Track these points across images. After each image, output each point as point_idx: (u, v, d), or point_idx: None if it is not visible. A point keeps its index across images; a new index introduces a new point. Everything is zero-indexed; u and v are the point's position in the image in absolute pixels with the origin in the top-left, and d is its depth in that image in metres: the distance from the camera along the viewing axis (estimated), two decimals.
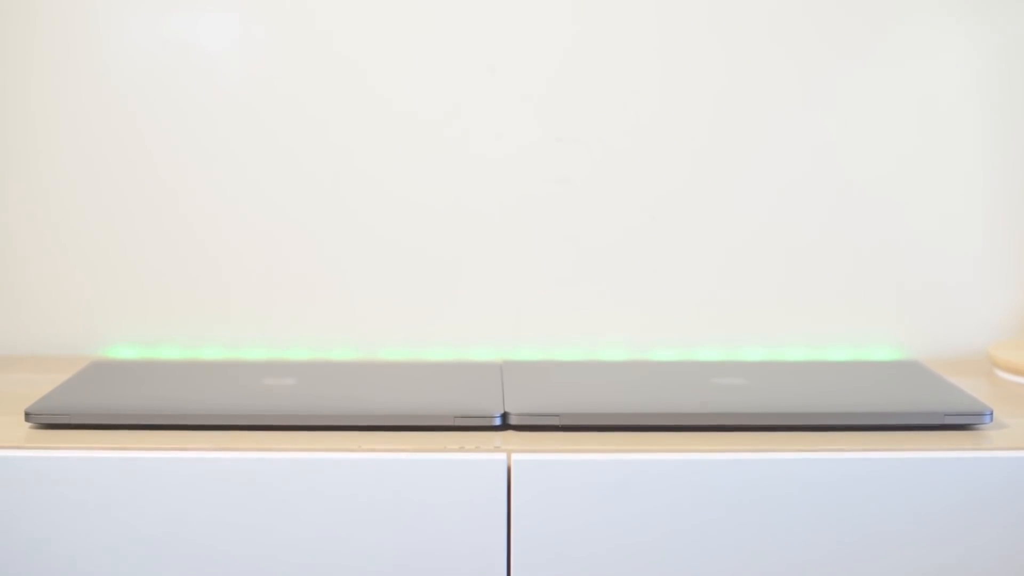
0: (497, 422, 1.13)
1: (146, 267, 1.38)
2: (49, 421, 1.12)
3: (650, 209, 1.37)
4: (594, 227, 1.38)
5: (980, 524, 1.08)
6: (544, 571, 1.07)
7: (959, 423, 1.13)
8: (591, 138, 1.36)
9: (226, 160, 1.36)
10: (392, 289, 1.38)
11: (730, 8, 1.35)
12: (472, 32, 1.35)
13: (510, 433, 1.12)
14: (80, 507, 1.06)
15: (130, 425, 1.12)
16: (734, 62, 1.36)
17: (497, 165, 1.37)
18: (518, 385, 1.21)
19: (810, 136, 1.37)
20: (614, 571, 1.07)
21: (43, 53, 1.34)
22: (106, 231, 1.37)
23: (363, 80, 1.36)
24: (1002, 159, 1.37)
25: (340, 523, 1.06)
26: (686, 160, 1.37)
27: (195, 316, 1.38)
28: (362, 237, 1.38)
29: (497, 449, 1.07)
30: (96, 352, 1.37)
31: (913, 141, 1.37)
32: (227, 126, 1.36)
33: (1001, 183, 1.38)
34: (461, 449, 1.07)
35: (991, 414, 1.13)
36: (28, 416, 1.12)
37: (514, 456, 1.06)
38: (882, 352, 1.38)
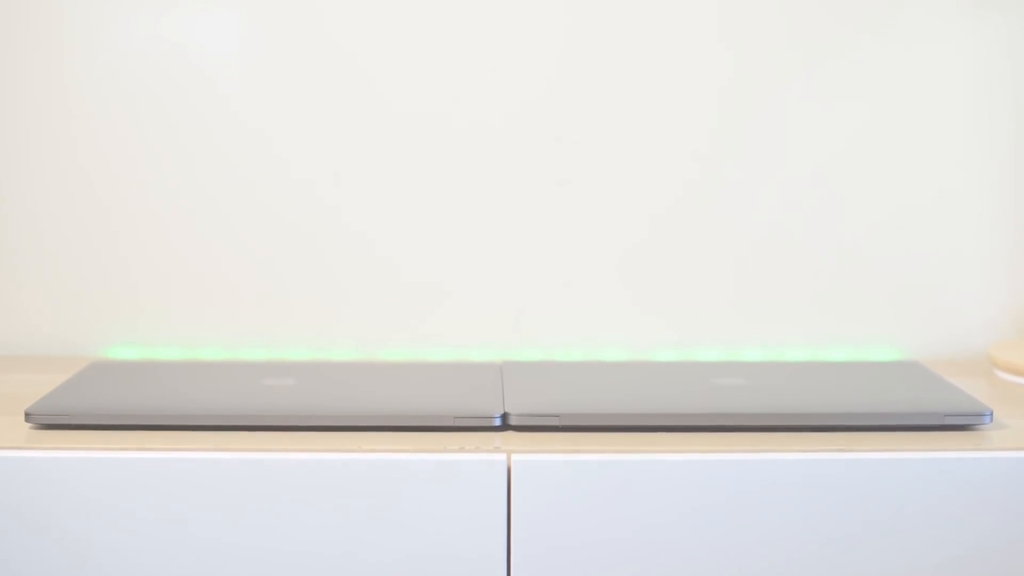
0: (497, 423, 1.13)
1: (146, 268, 1.38)
2: (49, 421, 1.12)
3: (650, 210, 1.37)
4: (594, 228, 1.38)
5: (980, 524, 1.08)
6: (544, 571, 1.07)
7: (959, 423, 1.13)
8: (591, 138, 1.36)
9: (226, 160, 1.36)
10: (392, 289, 1.38)
11: (730, 9, 1.35)
12: (473, 33, 1.35)
13: (510, 434, 1.12)
14: (80, 507, 1.06)
15: (130, 426, 1.12)
16: (735, 63, 1.36)
17: (497, 165, 1.37)
18: (518, 385, 1.21)
19: (810, 137, 1.36)
20: (614, 571, 1.07)
21: (43, 53, 1.34)
22: (106, 231, 1.37)
23: (362, 80, 1.36)
24: (1003, 160, 1.37)
25: (340, 524, 1.06)
26: (687, 161, 1.37)
27: (195, 316, 1.38)
28: (362, 237, 1.37)
29: (497, 450, 1.07)
30: (96, 352, 1.37)
31: (913, 142, 1.37)
32: (226, 126, 1.36)
33: (1001, 184, 1.38)
34: (461, 450, 1.07)
35: (991, 415, 1.13)
36: (28, 416, 1.12)
37: (514, 457, 1.06)
38: (882, 352, 1.38)
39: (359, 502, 1.06)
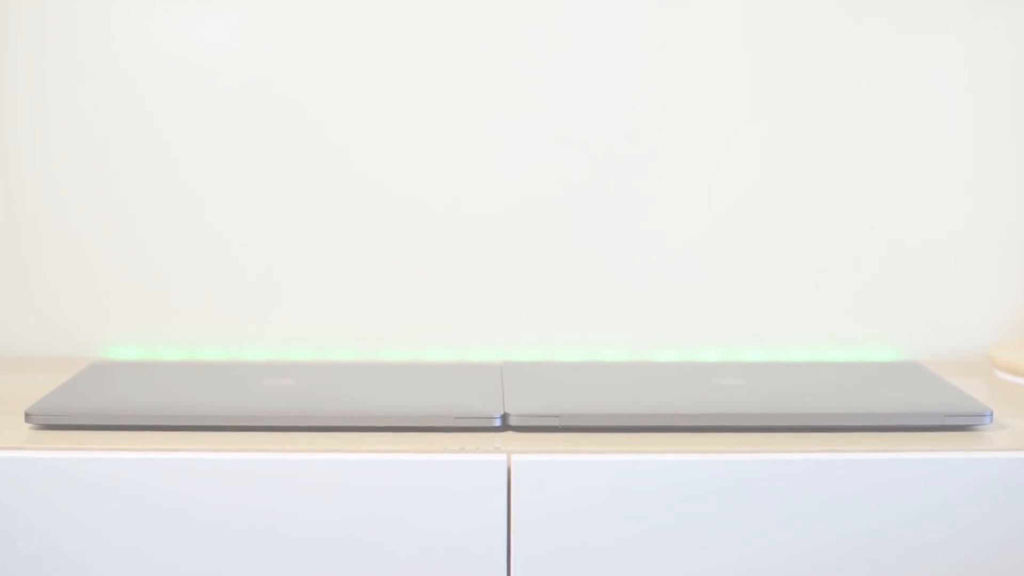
0: (497, 423, 1.13)
1: (146, 268, 1.38)
2: (49, 422, 1.12)
3: (650, 210, 1.37)
4: (594, 228, 1.37)
5: (980, 524, 1.08)
6: (544, 571, 1.07)
7: (959, 424, 1.13)
8: (591, 139, 1.36)
9: (226, 161, 1.36)
10: (392, 289, 1.38)
11: (731, 10, 1.35)
12: (474, 33, 1.35)
13: (510, 434, 1.12)
14: (80, 508, 1.06)
15: (130, 426, 1.12)
16: (736, 64, 1.36)
17: (497, 165, 1.37)
18: (518, 386, 1.21)
19: (811, 138, 1.36)
20: (614, 572, 1.07)
21: (43, 54, 1.34)
22: (106, 232, 1.37)
23: (363, 81, 1.36)
24: (1003, 161, 1.37)
25: (340, 524, 1.06)
26: (686, 161, 1.37)
27: (195, 317, 1.38)
28: (362, 238, 1.37)
29: (497, 450, 1.07)
30: (96, 353, 1.37)
31: (914, 143, 1.37)
32: (227, 126, 1.36)
33: (1002, 185, 1.38)
34: (461, 450, 1.07)
35: (991, 415, 1.13)
36: (28, 417, 1.12)
37: (514, 457, 1.06)
38: (882, 353, 1.38)
39: (359, 502, 1.06)
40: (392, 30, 1.35)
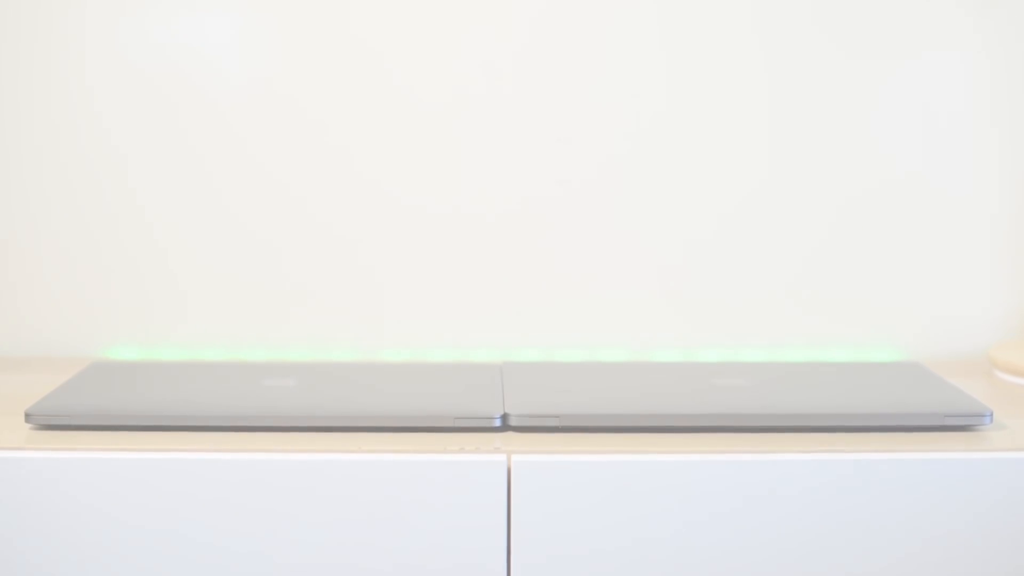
0: (497, 423, 1.13)
1: (146, 268, 1.38)
2: (49, 422, 1.12)
3: (650, 210, 1.37)
4: (594, 228, 1.37)
5: (980, 525, 1.07)
6: (544, 572, 1.07)
7: (959, 424, 1.13)
8: (591, 140, 1.36)
9: (226, 161, 1.36)
10: (392, 290, 1.38)
11: (735, 12, 1.35)
12: (474, 34, 1.35)
13: (510, 434, 1.12)
14: (80, 508, 1.06)
15: (130, 426, 1.12)
16: (740, 65, 1.36)
17: (497, 166, 1.37)
18: (518, 386, 1.21)
19: (813, 138, 1.36)
20: (614, 572, 1.07)
21: (44, 55, 1.34)
22: (106, 232, 1.37)
23: (363, 83, 1.36)
24: (1003, 161, 1.37)
25: (340, 524, 1.06)
26: (687, 162, 1.37)
27: (195, 317, 1.38)
28: (362, 238, 1.37)
29: (497, 450, 1.07)
30: (96, 353, 1.37)
31: (915, 144, 1.37)
32: (226, 127, 1.36)
33: (1001, 185, 1.38)
34: (461, 450, 1.07)
35: (991, 415, 1.13)
36: (28, 417, 1.12)
37: (514, 457, 1.06)
38: (883, 353, 1.38)
39: (359, 503, 1.06)
40: (392, 31, 1.35)
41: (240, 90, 1.36)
